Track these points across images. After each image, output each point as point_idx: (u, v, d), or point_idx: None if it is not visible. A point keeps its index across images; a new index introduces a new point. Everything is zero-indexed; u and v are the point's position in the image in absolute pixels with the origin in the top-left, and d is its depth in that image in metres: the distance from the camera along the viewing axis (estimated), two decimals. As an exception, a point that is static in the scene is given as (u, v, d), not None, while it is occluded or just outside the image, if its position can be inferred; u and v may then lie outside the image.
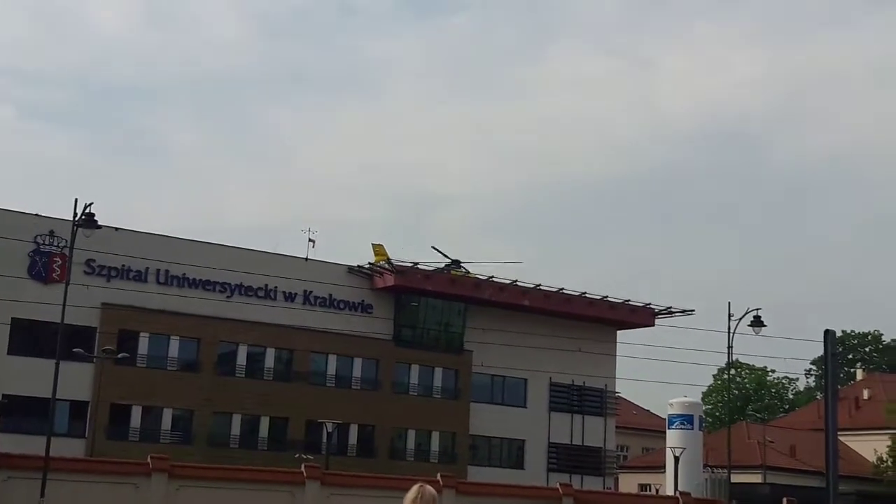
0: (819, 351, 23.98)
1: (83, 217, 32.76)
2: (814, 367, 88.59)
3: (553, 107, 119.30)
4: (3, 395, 44.53)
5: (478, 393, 57.25)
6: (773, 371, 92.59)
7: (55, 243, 46.54)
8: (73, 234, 33.19)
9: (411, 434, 55.65)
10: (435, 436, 55.99)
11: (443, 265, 57.22)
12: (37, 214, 47.28)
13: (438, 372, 56.51)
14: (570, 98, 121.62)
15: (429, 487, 7.75)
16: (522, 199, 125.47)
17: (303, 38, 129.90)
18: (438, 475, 33.34)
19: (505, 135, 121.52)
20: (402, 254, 55.62)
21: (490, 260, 58.02)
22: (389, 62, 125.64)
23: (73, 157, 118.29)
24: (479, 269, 57.75)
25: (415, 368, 55.91)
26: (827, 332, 22.00)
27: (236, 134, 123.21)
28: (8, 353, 45.97)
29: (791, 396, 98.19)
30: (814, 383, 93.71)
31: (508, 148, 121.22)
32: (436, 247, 58.02)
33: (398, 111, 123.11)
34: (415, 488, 7.76)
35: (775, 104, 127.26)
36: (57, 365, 32.22)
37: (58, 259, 46.30)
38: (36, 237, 47.07)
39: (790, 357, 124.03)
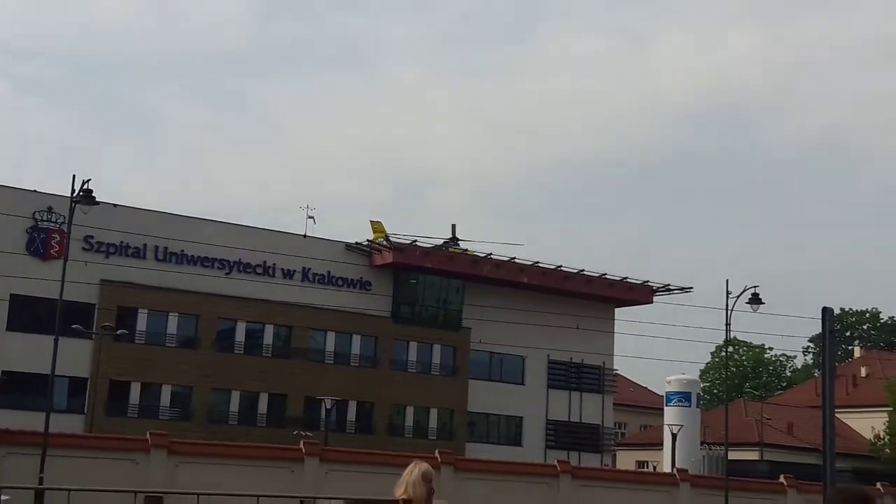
0: (817, 328, 24.04)
1: (81, 193, 32.70)
2: (811, 345, 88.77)
3: (548, 85, 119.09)
4: (3, 372, 44.66)
5: (476, 370, 57.36)
6: (770, 349, 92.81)
7: (53, 220, 46.51)
8: (72, 211, 33.13)
9: (409, 411, 55.80)
10: (433, 413, 56.14)
11: (440, 242, 57.19)
12: (35, 191, 47.25)
13: (437, 349, 56.60)
14: (565, 76, 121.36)
15: (425, 464, 7.80)
16: (518, 177, 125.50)
17: (299, 15, 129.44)
18: (436, 452, 33.46)
19: (500, 113, 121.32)
20: (401, 230, 55.62)
21: (487, 239, 57.95)
22: (385, 40, 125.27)
23: (70, 134, 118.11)
24: (480, 248, 57.79)
25: (413, 345, 55.99)
26: (825, 310, 22.01)
27: (233, 111, 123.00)
28: (7, 330, 46.02)
29: (789, 374, 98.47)
30: (811, 361, 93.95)
31: (504, 126, 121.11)
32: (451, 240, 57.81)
33: (393, 89, 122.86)
34: (411, 465, 7.80)
35: (771, 81, 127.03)
36: (56, 341, 32.24)
37: (56, 235, 46.27)
38: (34, 213, 47.04)
39: (788, 335, 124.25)
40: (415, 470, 7.73)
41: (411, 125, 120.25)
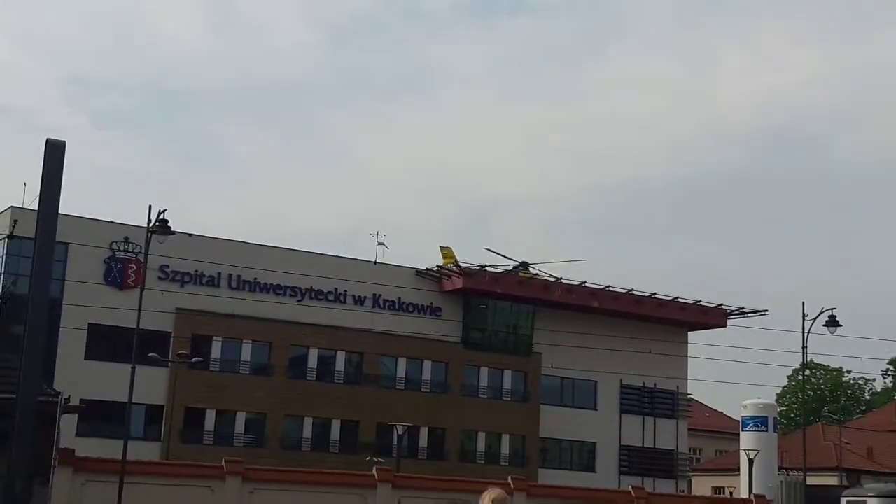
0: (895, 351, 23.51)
1: (157, 223, 33.25)
2: (891, 367, 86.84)
3: (613, 108, 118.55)
4: (81, 400, 45.35)
5: (547, 395, 57.06)
6: (849, 372, 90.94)
7: (130, 250, 47.39)
8: (148, 241, 33.71)
9: (481, 437, 55.64)
10: (505, 438, 55.92)
11: (510, 267, 57.12)
12: (112, 221, 48.19)
13: (507, 374, 56.43)
14: (630, 99, 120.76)
15: (498, 490, 7.77)
16: (584, 201, 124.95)
17: (363, 42, 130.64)
18: (509, 478, 33.27)
19: (565, 137, 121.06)
20: (468, 257, 55.61)
21: (556, 262, 57.53)
22: (450, 66, 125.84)
23: (142, 164, 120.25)
24: (543, 269, 57.54)
25: (484, 371, 55.89)
26: (904, 332, 21.56)
27: (302, 139, 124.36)
28: (85, 359, 46.83)
29: (868, 397, 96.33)
30: (891, 384, 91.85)
31: (568, 150, 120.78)
32: (491, 249, 57.92)
33: (460, 115, 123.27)
34: (485, 493, 7.78)
35: (837, 102, 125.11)
36: (133, 369, 32.75)
37: (133, 265, 47.12)
38: (111, 244, 47.97)
39: (866, 357, 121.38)
40: (486, 498, 7.70)
41: (476, 150, 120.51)
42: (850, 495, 17.73)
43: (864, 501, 16.03)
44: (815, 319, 39.50)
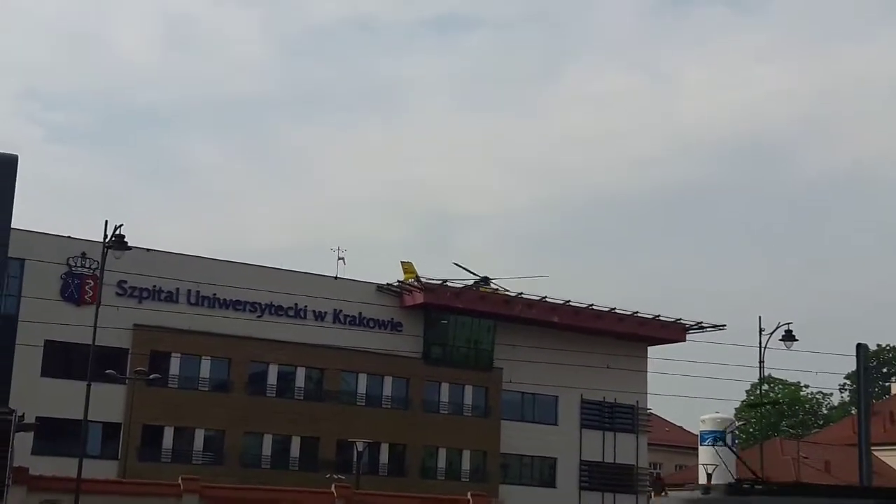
0: (853, 365, 23.78)
1: (113, 238, 33.04)
2: (848, 382, 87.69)
3: (574, 122, 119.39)
4: (37, 418, 44.81)
5: (508, 411, 57.05)
6: (806, 386, 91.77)
7: (87, 265, 46.92)
8: (104, 256, 33.50)
9: (442, 453, 55.51)
10: (466, 454, 55.82)
11: (471, 282, 57.16)
12: (69, 237, 47.69)
13: (468, 390, 56.38)
14: (591, 113, 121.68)
15: None
16: (545, 216, 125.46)
17: (322, 57, 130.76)
18: (468, 494, 33.28)
19: (526, 151, 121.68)
20: (429, 271, 55.57)
21: (516, 278, 57.65)
22: (409, 80, 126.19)
23: (100, 180, 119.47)
24: (506, 284, 57.65)
25: (445, 386, 55.81)
26: (859, 346, 21.87)
27: (259, 154, 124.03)
28: (41, 376, 46.22)
29: (825, 411, 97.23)
30: (848, 398, 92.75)
31: (530, 164, 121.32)
32: (458, 263, 57.97)
33: (418, 129, 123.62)
34: None
35: (797, 116, 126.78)
36: (88, 387, 32.48)
37: (90, 281, 46.66)
38: (68, 259, 47.46)
39: (824, 371, 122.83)
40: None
41: (437, 165, 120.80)
42: None
43: None
44: (771, 334, 39.91)
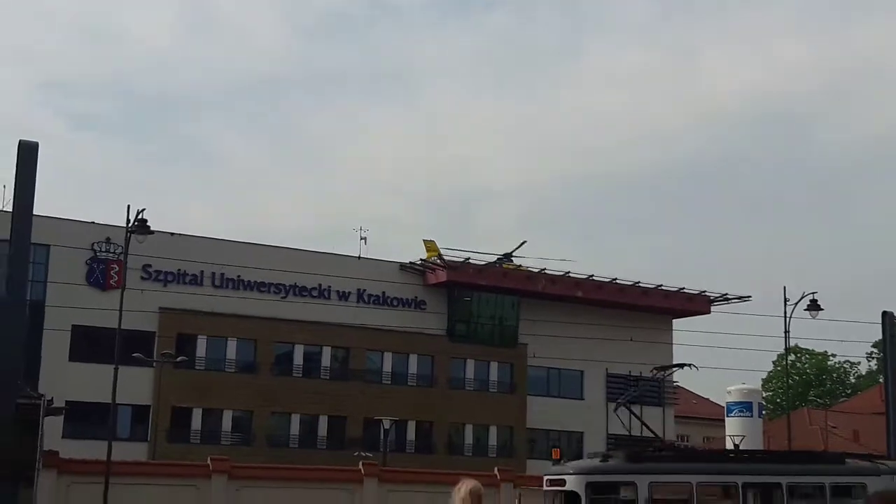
0: (880, 333, 23.59)
1: (136, 223, 33.21)
2: (875, 350, 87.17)
3: (595, 99, 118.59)
4: (66, 402, 45.20)
5: (534, 386, 57.14)
6: (833, 355, 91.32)
7: (112, 250, 47.24)
8: (127, 241, 33.69)
9: (468, 429, 55.70)
10: (492, 430, 55.99)
11: (494, 259, 57.15)
12: (93, 222, 48.02)
13: (494, 366, 56.50)
14: (612, 90, 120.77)
15: (473, 481, 7.80)
16: (568, 192, 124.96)
17: (340, 39, 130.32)
18: (495, 469, 33.37)
19: (548, 128, 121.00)
20: (452, 249, 55.55)
21: (540, 255, 57.75)
22: (429, 60, 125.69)
23: (122, 166, 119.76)
24: (530, 263, 57.61)
25: (470, 363, 55.94)
26: (885, 314, 21.73)
27: (280, 137, 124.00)
28: (69, 360, 46.70)
29: (853, 381, 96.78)
30: (875, 366, 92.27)
31: (552, 142, 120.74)
32: (508, 254, 57.37)
33: (438, 109, 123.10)
34: (459, 484, 7.81)
35: (819, 89, 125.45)
36: (116, 370, 32.72)
37: (115, 266, 46.96)
38: (93, 245, 47.82)
39: (851, 340, 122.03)
40: (462, 488, 7.72)
41: (458, 144, 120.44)
42: (550, 474, 17.82)
43: (563, 480, 16.14)
44: (796, 304, 39.70)
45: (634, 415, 18.59)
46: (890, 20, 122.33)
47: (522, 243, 57.40)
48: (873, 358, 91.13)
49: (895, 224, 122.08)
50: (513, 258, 57.71)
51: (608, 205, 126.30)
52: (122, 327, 34.38)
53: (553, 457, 26.13)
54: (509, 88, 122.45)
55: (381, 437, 47.48)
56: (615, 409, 19.38)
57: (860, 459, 17.22)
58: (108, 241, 47.33)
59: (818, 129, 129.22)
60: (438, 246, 55.66)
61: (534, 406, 56.44)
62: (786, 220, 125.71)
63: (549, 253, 58.46)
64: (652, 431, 20.90)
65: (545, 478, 18.84)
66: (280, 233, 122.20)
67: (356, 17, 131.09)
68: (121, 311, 33.68)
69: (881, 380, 76.33)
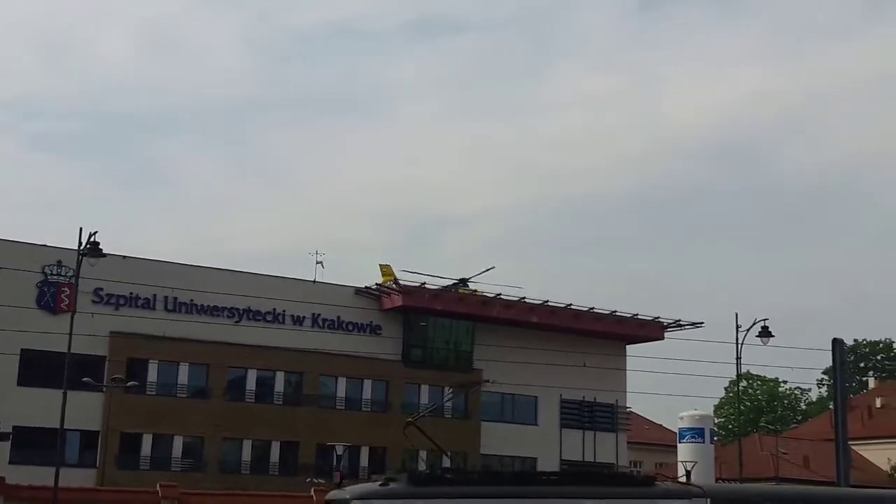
0: (830, 360, 23.78)
1: (88, 246, 32.89)
2: (825, 377, 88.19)
3: (559, 124, 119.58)
4: (13, 427, 44.51)
5: (488, 412, 57.06)
6: (785, 382, 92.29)
7: (63, 273, 46.64)
8: (79, 264, 33.37)
9: (423, 455, 55.41)
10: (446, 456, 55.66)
11: (450, 284, 57.13)
12: (44, 245, 47.40)
13: (448, 391, 56.34)
14: (576, 115, 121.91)
15: None
16: (530, 216, 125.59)
17: (306, 61, 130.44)
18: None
19: (511, 153, 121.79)
20: (411, 273, 55.45)
21: (497, 280, 57.67)
22: (393, 83, 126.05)
23: (80, 187, 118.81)
24: (485, 288, 57.61)
25: (424, 388, 55.76)
26: (835, 341, 21.95)
27: (242, 159, 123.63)
28: (18, 385, 45.94)
29: (804, 407, 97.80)
30: (826, 393, 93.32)
31: (515, 166, 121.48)
32: (465, 279, 57.13)
33: (403, 132, 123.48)
34: None
35: (781, 116, 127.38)
36: (64, 395, 32.31)
37: (66, 289, 46.34)
38: (44, 267, 47.20)
39: (802, 367, 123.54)
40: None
41: (421, 166, 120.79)
42: (330, 498, 17.39)
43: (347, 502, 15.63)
44: (748, 330, 40.11)
45: (423, 432, 17.53)
46: (846, 49, 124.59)
47: (489, 269, 57.42)
48: (824, 385, 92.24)
49: (846, 252, 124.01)
50: (469, 283, 57.72)
51: (567, 229, 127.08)
52: (73, 351, 33.99)
53: (335, 480, 25.66)
54: (473, 112, 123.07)
55: (334, 463, 47.15)
56: (404, 428, 18.12)
57: (686, 483, 16.78)
58: (59, 263, 46.73)
59: (774, 156, 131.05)
60: (395, 270, 55.59)
61: (488, 432, 56.36)
62: (739, 247, 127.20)
63: (508, 277, 58.49)
64: (441, 450, 20.00)
65: (325, 501, 18.27)
66: (238, 256, 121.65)
67: (321, 39, 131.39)
68: (71, 334, 33.30)
69: (831, 406, 77.24)
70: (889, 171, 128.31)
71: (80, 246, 33.21)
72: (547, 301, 57.46)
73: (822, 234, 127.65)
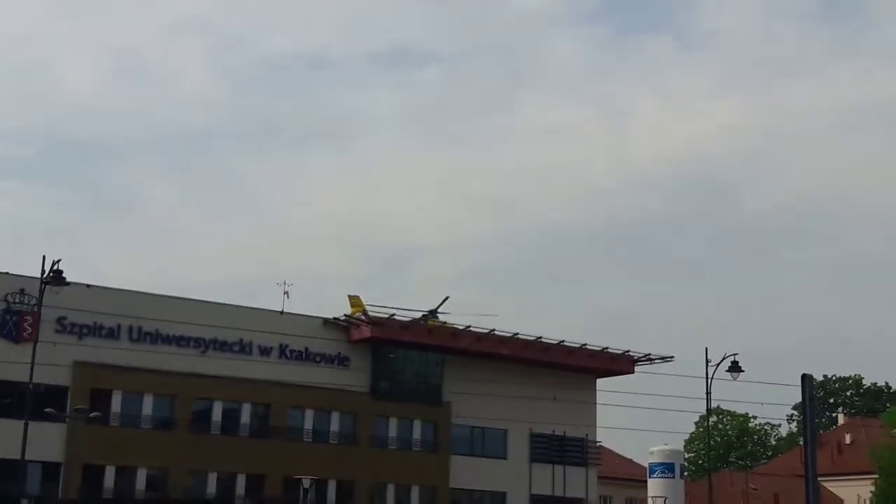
0: (799, 396, 23.55)
1: (51, 274, 32.40)
2: (795, 413, 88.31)
3: (526, 156, 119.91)
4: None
5: (457, 445, 56.57)
6: (754, 417, 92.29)
7: (26, 301, 45.82)
8: (42, 292, 32.88)
9: (390, 489, 54.83)
10: (415, 490, 55.17)
11: (419, 315, 56.74)
12: (7, 273, 46.62)
13: (417, 424, 55.83)
14: (543, 147, 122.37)
15: None
16: (498, 248, 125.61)
17: (273, 90, 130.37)
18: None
19: (478, 184, 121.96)
20: (381, 304, 55.01)
21: (468, 311, 57.46)
22: (361, 114, 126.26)
23: (44, 215, 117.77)
24: (456, 320, 57.30)
25: (393, 421, 55.21)
26: (804, 377, 21.71)
27: (208, 188, 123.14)
28: (-22, 415, 45.04)
29: (774, 443, 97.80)
30: (796, 429, 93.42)
31: (482, 197, 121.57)
32: (382, 304, 56.63)
33: (371, 163, 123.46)
34: None
35: (746, 151, 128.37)
36: (26, 426, 31.71)
37: (29, 318, 45.52)
38: (6, 296, 46.38)
39: (772, 403, 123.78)
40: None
41: (389, 198, 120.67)
42: None
43: None
44: (717, 365, 39.97)
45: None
46: (810, 85, 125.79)
47: (445, 299, 57.24)
48: (793, 420, 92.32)
49: (815, 288, 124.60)
50: (438, 314, 57.36)
51: (536, 261, 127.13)
52: (35, 381, 33.45)
53: None
54: (441, 142, 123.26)
55: (301, 496, 46.51)
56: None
57: None
58: (22, 292, 45.92)
59: (742, 190, 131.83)
60: (364, 302, 55.14)
61: (457, 465, 55.85)
62: (708, 282, 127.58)
63: (476, 309, 58.11)
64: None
65: None
66: (203, 285, 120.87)
67: (289, 69, 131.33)
68: (33, 364, 32.75)
69: (801, 442, 77.19)
70: (853, 205, 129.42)
71: (42, 273, 32.70)
72: (517, 333, 57.18)
73: (790, 268, 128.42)
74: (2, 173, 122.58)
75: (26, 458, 34.27)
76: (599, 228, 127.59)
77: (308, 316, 53.56)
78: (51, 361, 41.65)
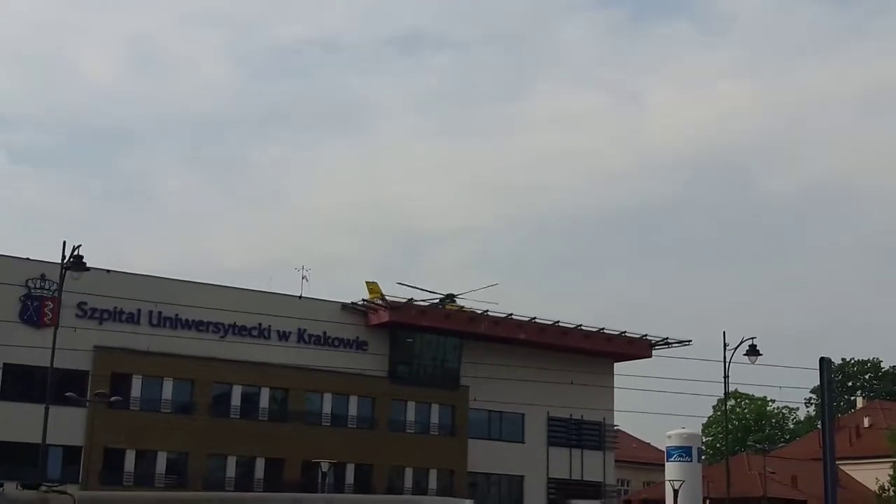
0: (817, 380, 23.60)
1: (72, 260, 32.62)
2: (813, 396, 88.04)
3: (541, 141, 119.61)
4: (-6, 442, 44.14)
5: (475, 429, 56.73)
6: (773, 401, 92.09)
7: (46, 287, 46.22)
8: (62, 277, 33.10)
9: (408, 472, 55.07)
10: (433, 473, 55.42)
11: (437, 300, 56.87)
12: (28, 258, 47.03)
13: (435, 408, 56.05)
14: (559, 132, 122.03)
15: None
16: (514, 233, 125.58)
17: (288, 77, 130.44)
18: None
19: (495, 170, 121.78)
20: (397, 290, 55.19)
21: (485, 297, 57.26)
22: (376, 99, 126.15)
23: (65, 202, 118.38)
24: (469, 302, 57.35)
25: (411, 405, 55.44)
26: (822, 360, 21.78)
27: (226, 174, 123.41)
28: (0, 399, 45.50)
29: (791, 426, 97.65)
30: (814, 412, 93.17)
31: (498, 183, 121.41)
32: (402, 282, 57.02)
33: (386, 148, 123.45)
34: None
35: (765, 134, 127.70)
36: (47, 409, 32.00)
37: (49, 303, 45.89)
38: (27, 281, 46.78)
39: (790, 386, 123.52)
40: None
41: (406, 184, 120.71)
42: None
43: None
44: (735, 349, 39.96)
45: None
46: (828, 66, 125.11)
47: (493, 284, 57.07)
48: (811, 404, 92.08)
49: (833, 271, 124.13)
50: (456, 299, 57.46)
51: (552, 247, 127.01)
52: (56, 366, 33.72)
53: None
54: (458, 128, 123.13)
55: (320, 480, 46.78)
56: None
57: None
58: (42, 277, 46.33)
59: (760, 172, 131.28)
60: (381, 289, 55.23)
61: (475, 449, 56.02)
62: (723, 265, 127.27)
63: (493, 295, 58.05)
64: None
65: None
66: (222, 270, 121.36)
67: (303, 55, 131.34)
68: (54, 349, 33.01)
69: (819, 426, 77.09)
70: (871, 187, 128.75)
71: (63, 259, 32.95)
72: (535, 318, 57.24)
73: (809, 251, 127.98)
74: (22, 160, 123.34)
75: (47, 442, 34.59)
76: (615, 213, 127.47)
77: (326, 301, 53.76)
78: (71, 346, 42.06)
